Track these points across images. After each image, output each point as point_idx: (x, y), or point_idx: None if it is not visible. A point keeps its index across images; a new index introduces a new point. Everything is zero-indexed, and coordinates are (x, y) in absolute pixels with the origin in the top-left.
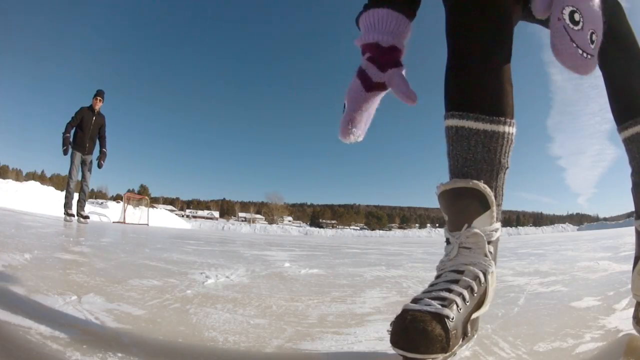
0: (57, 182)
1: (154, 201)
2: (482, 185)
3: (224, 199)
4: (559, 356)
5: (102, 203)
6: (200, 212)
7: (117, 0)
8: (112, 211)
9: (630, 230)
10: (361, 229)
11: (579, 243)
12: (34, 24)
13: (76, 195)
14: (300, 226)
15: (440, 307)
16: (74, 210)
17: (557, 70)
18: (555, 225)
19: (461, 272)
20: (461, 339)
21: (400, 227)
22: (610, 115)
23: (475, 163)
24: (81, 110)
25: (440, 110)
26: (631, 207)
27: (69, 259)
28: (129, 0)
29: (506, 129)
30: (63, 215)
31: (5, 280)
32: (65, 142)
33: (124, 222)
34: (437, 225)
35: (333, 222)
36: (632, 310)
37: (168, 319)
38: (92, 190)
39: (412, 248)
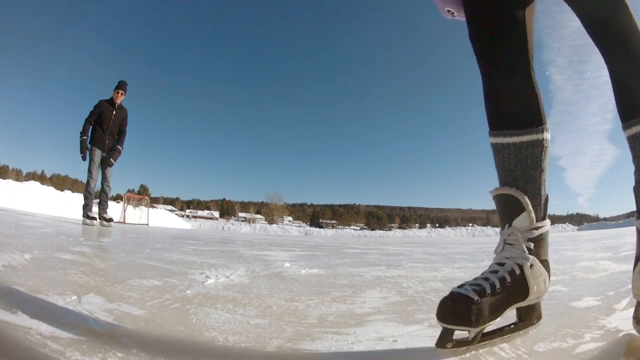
0: (57, 182)
1: (154, 201)
2: (516, 191)
3: (224, 199)
4: (559, 356)
5: None
6: (200, 212)
7: (117, 0)
8: (112, 211)
9: (631, 230)
10: (361, 229)
11: (579, 243)
12: (34, 24)
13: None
14: (300, 226)
15: (471, 290)
16: (94, 213)
17: (557, 71)
18: (555, 225)
19: (502, 265)
20: (490, 320)
21: (400, 227)
22: (610, 115)
23: (510, 172)
24: (100, 105)
25: (438, 110)
26: (631, 207)
27: (69, 259)
28: (129, 0)
29: (533, 137)
30: (82, 218)
31: (5, 280)
32: (82, 148)
33: (124, 222)
34: (437, 225)
35: (333, 222)
36: (632, 310)
37: (168, 319)
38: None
39: (412, 248)
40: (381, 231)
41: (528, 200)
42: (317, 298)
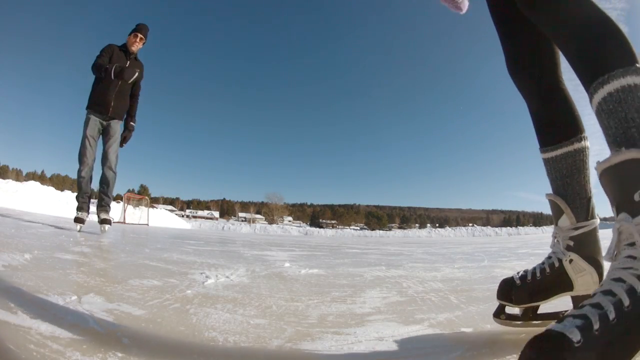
0: (57, 182)
1: (154, 201)
2: (555, 197)
3: (224, 199)
4: None
5: None
6: (200, 212)
7: (117, 0)
8: (112, 211)
9: None
10: (361, 229)
11: None
12: (34, 24)
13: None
14: (300, 226)
15: (517, 277)
16: (85, 213)
17: None
18: None
19: (549, 258)
20: (530, 302)
21: (400, 227)
22: None
23: (553, 181)
24: (110, 48)
25: (439, 110)
26: None
27: (69, 259)
28: (130, 0)
29: (564, 150)
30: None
31: (5, 280)
32: (98, 66)
33: (124, 222)
34: (437, 225)
35: (333, 222)
36: None
37: (168, 319)
38: (92, 190)
39: (412, 248)
40: (381, 231)
41: (566, 204)
42: (317, 298)
